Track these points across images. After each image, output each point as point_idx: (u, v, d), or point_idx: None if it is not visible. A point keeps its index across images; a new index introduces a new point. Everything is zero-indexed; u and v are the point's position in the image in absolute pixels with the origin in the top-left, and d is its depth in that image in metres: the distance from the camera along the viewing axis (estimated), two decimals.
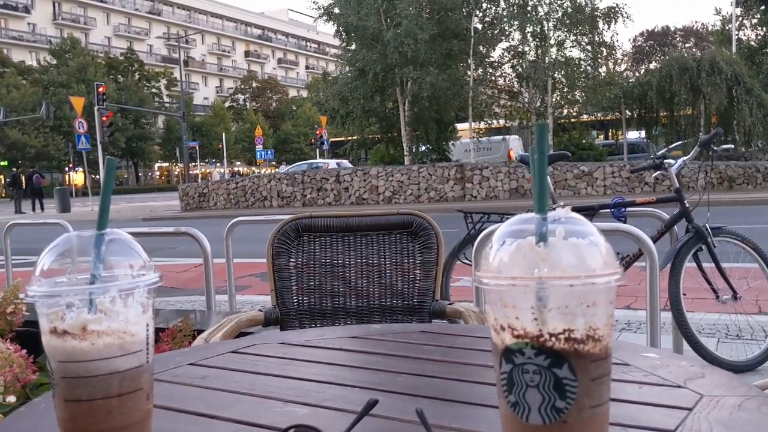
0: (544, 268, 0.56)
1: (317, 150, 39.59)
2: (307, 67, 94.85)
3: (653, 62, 49.59)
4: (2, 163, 50.21)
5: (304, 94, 78.22)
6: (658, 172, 4.04)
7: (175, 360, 1.04)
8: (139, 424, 0.69)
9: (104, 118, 24.42)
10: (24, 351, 2.38)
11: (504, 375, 0.58)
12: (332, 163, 28.93)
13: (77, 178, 51.70)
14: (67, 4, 68.36)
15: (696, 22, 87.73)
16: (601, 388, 0.58)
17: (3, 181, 54.07)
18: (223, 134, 51.95)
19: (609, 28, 23.17)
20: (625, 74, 30.17)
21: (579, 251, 0.57)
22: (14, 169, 38.04)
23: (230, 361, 1.06)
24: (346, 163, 29.46)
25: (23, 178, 30.13)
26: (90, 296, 0.65)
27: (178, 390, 0.90)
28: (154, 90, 60.74)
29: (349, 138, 28.06)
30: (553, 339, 0.56)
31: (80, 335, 0.65)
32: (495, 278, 0.58)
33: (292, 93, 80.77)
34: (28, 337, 2.92)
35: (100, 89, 25.58)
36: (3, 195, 53.32)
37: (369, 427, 0.71)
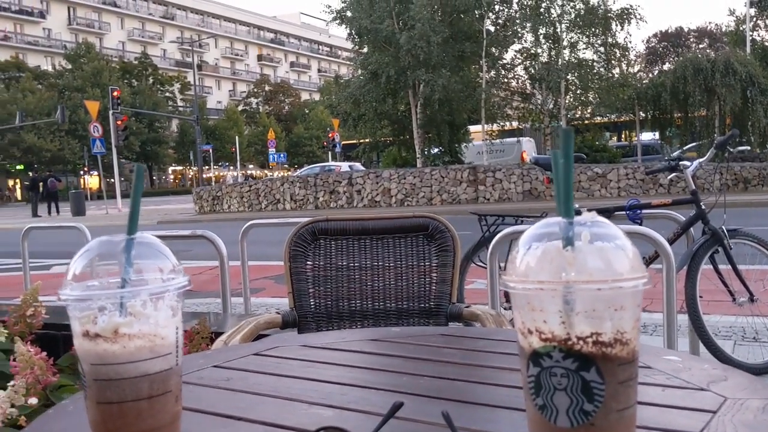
0: (572, 272, 0.57)
1: (329, 153, 39.68)
2: (319, 71, 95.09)
3: (667, 63, 49.34)
4: (19, 167, 50.69)
5: (317, 97, 78.37)
6: (674, 173, 4.02)
7: (199, 362, 1.06)
8: (169, 426, 0.70)
9: (119, 122, 24.61)
10: (44, 353, 2.40)
11: (531, 378, 0.59)
12: (344, 166, 28.96)
13: (92, 181, 52.09)
14: (82, 9, 68.94)
15: (710, 22, 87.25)
16: (628, 391, 0.58)
17: (20, 185, 54.56)
18: (236, 138, 52.13)
19: (622, 30, 23.08)
20: (638, 75, 29.97)
21: (606, 255, 0.58)
22: (30, 173, 38.39)
23: (253, 363, 1.07)
24: (358, 165, 29.49)
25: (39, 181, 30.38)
26: (121, 300, 0.66)
27: (204, 392, 0.91)
28: (167, 94, 61.13)
29: (362, 141, 28.09)
30: (581, 342, 0.56)
31: (112, 338, 0.66)
32: (522, 282, 0.58)
33: (305, 96, 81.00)
34: (47, 339, 2.95)
35: (115, 93, 25.77)
36: (20, 198, 53.81)
37: (395, 429, 0.72)
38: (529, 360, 0.59)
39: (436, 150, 24.67)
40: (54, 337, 3.18)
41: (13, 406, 1.98)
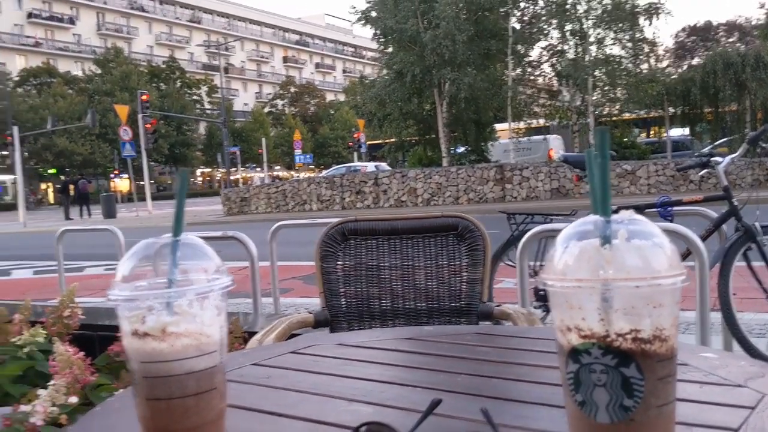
0: (610, 269, 0.57)
1: (355, 153, 39.77)
2: (344, 71, 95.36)
3: (696, 58, 48.60)
4: (51, 171, 51.63)
5: (342, 97, 78.58)
6: (705, 170, 3.98)
7: (239, 360, 1.08)
8: (214, 422, 0.72)
9: (148, 126, 24.95)
10: (82, 353, 2.46)
11: (571, 375, 0.60)
12: (370, 166, 28.99)
13: (122, 184, 52.83)
14: (111, 15, 69.99)
15: (739, 16, 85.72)
16: (667, 387, 0.59)
17: (52, 188, 55.56)
18: (263, 139, 52.46)
19: (650, 25, 22.80)
20: (667, 71, 29.57)
21: (644, 253, 0.58)
22: (62, 177, 39.06)
23: (290, 361, 1.09)
24: (384, 165, 29.51)
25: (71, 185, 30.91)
26: (169, 300, 0.68)
27: (246, 389, 0.93)
28: (195, 97, 61.76)
29: (387, 141, 28.11)
30: (620, 339, 0.57)
31: (160, 337, 0.68)
32: (561, 280, 0.59)
33: (330, 97, 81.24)
34: (83, 340, 3.01)
35: (144, 97, 26.12)
36: (52, 202, 54.79)
37: (434, 425, 0.73)
38: (568, 357, 0.60)
39: (462, 149, 24.59)
40: (90, 338, 3.24)
41: (54, 404, 2.02)
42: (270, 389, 0.94)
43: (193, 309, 0.69)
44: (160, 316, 0.68)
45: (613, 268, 0.57)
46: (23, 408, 2.07)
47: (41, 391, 2.07)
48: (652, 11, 22.35)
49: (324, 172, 32.77)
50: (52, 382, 2.14)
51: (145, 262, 0.72)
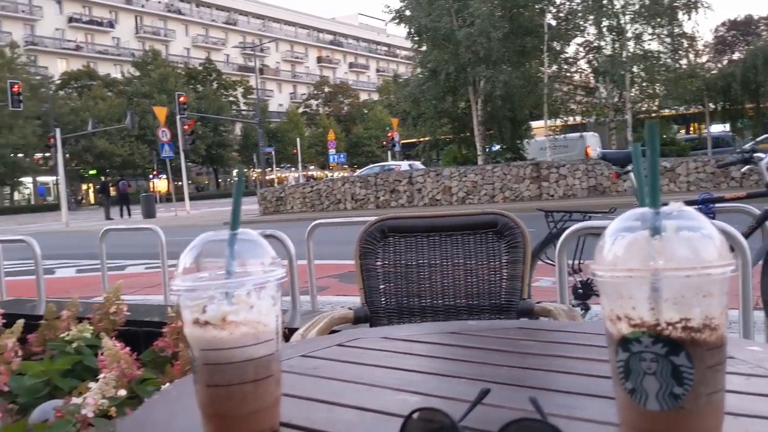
0: (660, 260, 0.59)
1: (389, 152, 39.81)
2: (377, 71, 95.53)
3: (737, 53, 47.58)
4: (92, 172, 52.72)
5: (375, 97, 78.75)
6: (747, 166, 3.92)
7: (287, 352, 1.11)
8: (271, 408, 0.75)
9: (185, 127, 25.29)
10: (128, 348, 2.53)
11: (621, 363, 0.61)
12: (404, 165, 28.95)
13: (160, 184, 53.71)
14: (149, 18, 71.20)
15: None
16: (717, 375, 0.60)
17: (93, 189, 56.74)
18: (297, 139, 52.92)
19: (689, 19, 22.40)
20: (707, 66, 29.02)
21: (693, 243, 0.60)
22: (102, 178, 39.86)
23: (337, 353, 1.11)
24: (418, 164, 29.48)
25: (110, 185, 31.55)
26: (228, 290, 0.71)
27: (295, 379, 0.96)
28: (231, 98, 62.50)
29: (421, 139, 28.08)
30: (670, 328, 0.58)
31: (220, 325, 0.71)
32: (611, 270, 0.61)
33: (363, 96, 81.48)
34: (129, 335, 3.09)
35: (181, 99, 26.53)
36: (93, 202, 55.95)
37: (482, 414, 0.75)
38: (618, 346, 0.61)
39: (497, 147, 24.46)
40: (135, 334, 3.32)
41: (104, 397, 2.09)
42: (319, 379, 0.96)
43: (251, 299, 0.72)
44: (220, 305, 0.71)
45: (664, 258, 0.59)
46: (75, 400, 2.14)
47: (92, 384, 2.13)
48: (691, 5, 21.96)
49: (358, 172, 32.84)
50: (102, 375, 2.21)
51: (205, 255, 0.75)
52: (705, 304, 0.59)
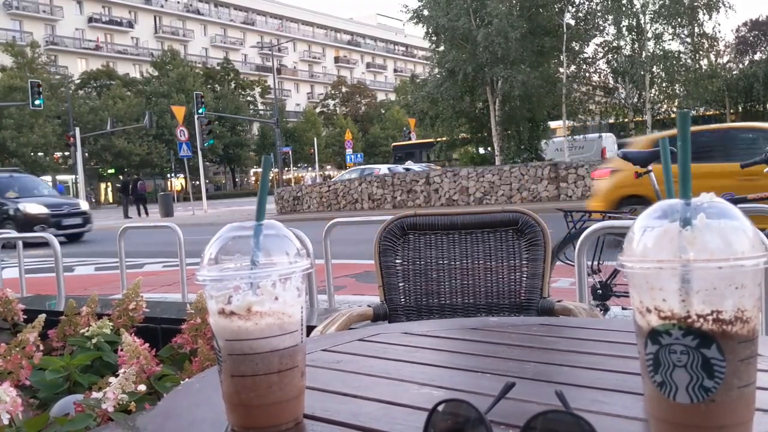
0: (691, 251, 0.58)
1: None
2: (395, 71, 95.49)
3: (758, 53, 47.03)
4: (110, 171, 53.19)
5: (393, 97, 78.72)
6: None
7: (309, 347, 1.11)
8: (295, 399, 0.75)
9: (203, 126, 25.41)
10: (147, 344, 2.54)
11: (650, 355, 0.60)
12: (383, 168, 27.53)
13: (177, 183, 54.06)
14: (167, 18, 71.69)
15: None
16: (749, 368, 0.59)
17: (111, 188, 57.22)
18: (315, 139, 53.03)
19: (710, 19, 22.17)
20: (728, 66, 28.71)
21: (725, 234, 0.59)
22: (121, 177, 40.18)
23: (359, 348, 1.11)
24: (413, 165, 28.76)
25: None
26: (254, 280, 0.71)
27: (318, 372, 0.96)
28: (248, 98, 62.77)
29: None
30: (701, 320, 0.57)
31: (245, 316, 0.71)
32: (641, 262, 0.60)
33: (381, 96, 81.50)
34: (147, 332, 3.11)
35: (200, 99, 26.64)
36: (111, 201, 56.43)
37: (508, 408, 0.74)
38: (648, 338, 0.60)
39: (515, 147, 24.35)
40: (154, 330, 3.34)
41: (124, 392, 2.10)
42: (342, 373, 0.96)
43: (276, 289, 0.72)
44: (245, 295, 0.71)
45: (695, 249, 0.58)
46: (95, 395, 2.16)
47: (112, 379, 2.15)
48: (712, 5, 21.73)
49: (336, 177, 32.19)
50: (122, 370, 2.22)
51: (230, 246, 0.75)
52: (737, 296, 0.58)
